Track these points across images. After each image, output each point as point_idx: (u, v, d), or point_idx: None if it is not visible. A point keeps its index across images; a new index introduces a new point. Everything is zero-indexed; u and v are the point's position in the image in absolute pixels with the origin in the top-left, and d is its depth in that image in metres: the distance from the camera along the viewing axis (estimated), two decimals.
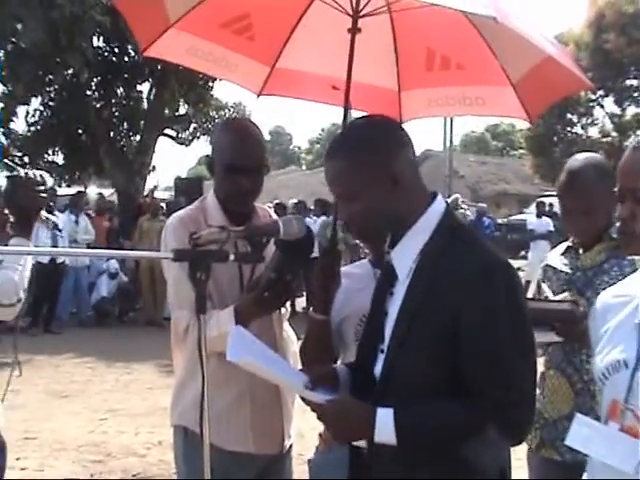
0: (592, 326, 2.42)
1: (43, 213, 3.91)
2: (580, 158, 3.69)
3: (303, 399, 2.67)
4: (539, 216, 20.38)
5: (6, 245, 3.64)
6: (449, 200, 23.64)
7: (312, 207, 19.52)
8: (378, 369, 2.68)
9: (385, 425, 2.47)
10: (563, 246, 3.82)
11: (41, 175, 3.76)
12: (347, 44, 3.67)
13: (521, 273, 19.57)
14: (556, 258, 3.82)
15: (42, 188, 3.75)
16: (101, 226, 17.97)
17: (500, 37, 3.64)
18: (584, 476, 2.29)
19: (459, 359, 2.50)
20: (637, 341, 2.13)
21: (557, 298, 3.61)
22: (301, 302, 16.03)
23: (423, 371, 2.55)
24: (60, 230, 14.00)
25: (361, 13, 3.68)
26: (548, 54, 3.60)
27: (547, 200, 22.49)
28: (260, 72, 4.15)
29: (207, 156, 3.63)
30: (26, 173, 3.74)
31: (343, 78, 3.69)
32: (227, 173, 3.48)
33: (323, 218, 15.79)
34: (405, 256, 2.66)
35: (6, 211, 3.74)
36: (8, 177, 3.71)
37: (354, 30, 3.67)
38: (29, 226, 3.72)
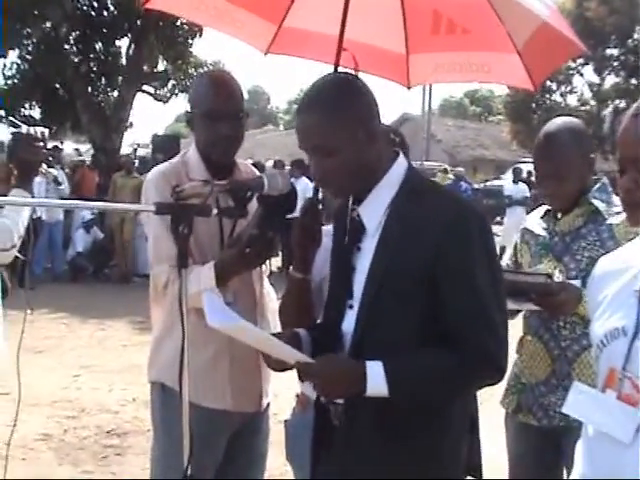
0: (590, 292, 2.40)
1: (44, 167, 4.13)
2: (557, 122, 3.65)
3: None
4: (515, 182, 20.41)
5: (5, 195, 3.84)
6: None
7: (289, 167, 19.38)
8: (348, 325, 2.69)
9: (376, 377, 2.48)
10: (542, 210, 3.79)
11: (42, 132, 3.95)
12: (353, 4, 3.62)
13: (497, 238, 19.69)
14: (534, 221, 3.80)
15: (42, 144, 3.94)
16: (91, 180, 17.90)
17: (506, 3, 3.61)
18: (578, 444, 2.28)
19: (439, 307, 2.54)
20: (636, 309, 2.11)
21: (532, 270, 3.60)
22: (276, 262, 16.03)
23: (398, 324, 2.58)
24: (60, 183, 13.98)
25: None
26: (544, 20, 3.58)
27: (524, 167, 22.53)
28: (267, 30, 4.08)
29: (186, 112, 3.58)
30: (28, 129, 3.96)
31: (351, 39, 3.64)
32: (207, 120, 3.44)
33: (304, 179, 15.45)
34: (374, 210, 2.68)
35: (10, 165, 3.96)
36: (11, 133, 3.93)
37: None
38: (30, 179, 3.95)
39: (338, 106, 2.59)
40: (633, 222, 2.21)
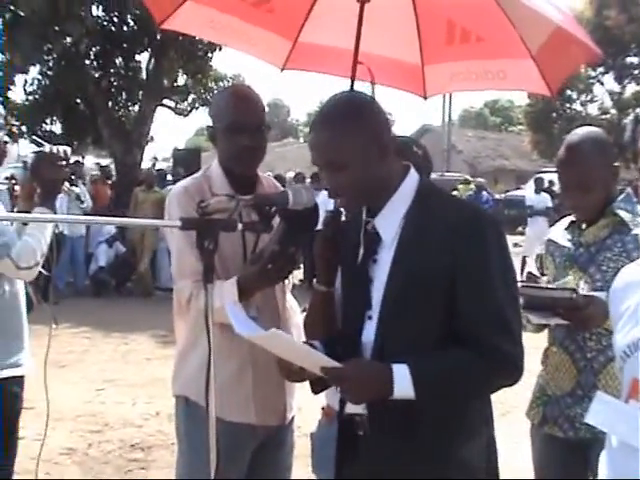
0: (612, 303, 2.39)
1: (66, 185, 4.24)
2: (580, 132, 3.65)
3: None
4: (537, 192, 20.31)
5: (28, 213, 3.96)
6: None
7: (309, 180, 19.36)
8: (368, 336, 2.73)
9: (403, 380, 2.53)
10: (566, 221, 3.78)
11: (65, 150, 4.02)
12: (368, 17, 3.63)
13: (519, 249, 19.67)
14: (559, 233, 3.79)
15: (64, 162, 4.01)
16: (105, 194, 17.95)
17: (517, 8, 3.60)
18: (602, 454, 2.27)
19: (457, 312, 2.60)
20: None
21: (557, 285, 3.58)
22: (298, 274, 16.02)
23: (418, 332, 2.64)
24: (82, 201, 14.09)
25: None
26: (558, 25, 3.57)
27: (545, 176, 22.46)
28: (282, 46, 4.11)
29: (208, 127, 3.60)
30: (51, 148, 4.01)
31: (366, 52, 3.65)
32: (229, 133, 3.46)
33: (324, 192, 15.21)
34: (390, 222, 2.74)
35: (33, 183, 4.06)
36: (34, 152, 4.01)
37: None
38: (53, 198, 4.01)
39: (349, 123, 2.66)
40: None
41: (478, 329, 2.59)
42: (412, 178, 2.78)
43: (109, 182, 19.11)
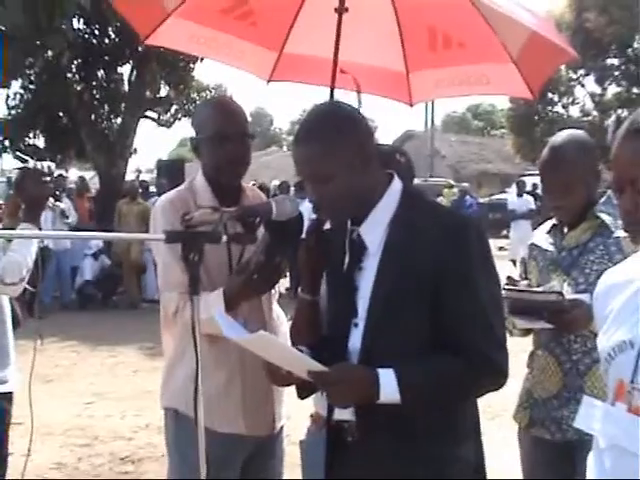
0: (596, 306, 2.40)
1: (51, 200, 4.26)
2: (563, 135, 3.66)
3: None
4: (520, 195, 20.41)
5: (13, 229, 3.99)
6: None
7: (293, 189, 19.32)
8: (354, 343, 2.74)
9: (389, 384, 2.55)
10: (548, 224, 3.80)
11: (49, 166, 4.09)
12: (351, 26, 3.65)
13: (504, 252, 19.71)
14: (542, 237, 3.80)
15: (49, 179, 4.06)
16: (83, 207, 17.91)
17: (494, 14, 3.64)
18: (589, 456, 2.28)
19: (441, 317, 2.62)
20: None
21: (543, 289, 3.59)
22: (284, 283, 16.02)
23: (404, 339, 2.66)
24: (67, 217, 14.07)
25: None
26: (533, 30, 3.61)
27: (528, 180, 22.54)
28: (267, 58, 4.14)
29: (191, 139, 3.61)
30: (34, 164, 4.10)
31: (351, 61, 3.67)
32: (213, 143, 3.47)
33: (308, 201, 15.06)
34: (375, 230, 2.75)
35: (18, 199, 4.12)
36: (19, 169, 4.04)
37: (341, 9, 3.66)
38: (38, 214, 4.05)
39: (331, 136, 2.66)
40: (636, 241, 2.21)
41: (463, 335, 2.61)
42: (396, 186, 2.79)
43: (88, 195, 19.08)
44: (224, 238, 2.74)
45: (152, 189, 19.80)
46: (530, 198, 20.13)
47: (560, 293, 3.41)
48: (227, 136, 3.45)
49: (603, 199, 3.62)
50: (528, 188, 21.62)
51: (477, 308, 2.62)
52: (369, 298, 2.71)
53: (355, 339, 2.74)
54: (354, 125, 2.72)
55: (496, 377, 2.67)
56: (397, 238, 2.70)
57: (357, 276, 2.78)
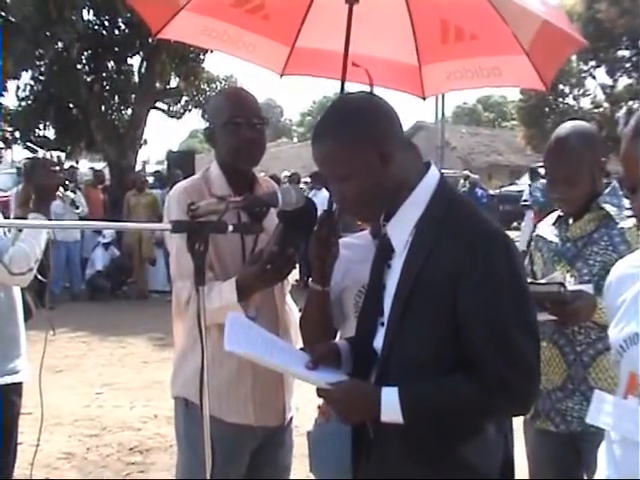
0: (607, 296, 2.38)
1: (61, 190, 4.30)
2: (568, 126, 3.66)
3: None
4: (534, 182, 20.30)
5: (24, 219, 4.02)
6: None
7: (306, 180, 19.30)
8: (379, 342, 2.69)
9: (391, 404, 2.49)
10: (553, 216, 3.80)
11: (58, 156, 4.05)
12: (363, 20, 3.64)
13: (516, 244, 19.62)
14: (546, 228, 3.81)
15: (58, 168, 4.14)
16: (98, 199, 17.92)
17: (506, 4, 3.62)
18: (600, 450, 2.26)
19: (461, 332, 2.50)
20: None
21: (545, 280, 3.58)
22: (294, 275, 15.96)
23: (424, 343, 2.55)
24: (77, 207, 14.08)
25: None
26: (544, 18, 3.60)
27: (539, 171, 22.45)
28: (280, 52, 4.12)
29: (205, 129, 3.61)
30: (44, 154, 4.03)
31: (364, 54, 3.66)
32: (228, 129, 3.47)
33: (324, 191, 14.86)
34: (401, 229, 2.66)
35: (27, 189, 4.16)
36: (29, 159, 4.03)
37: (351, 0, 3.65)
38: (47, 204, 4.09)
39: (348, 133, 2.59)
40: None
41: (479, 354, 2.48)
42: (429, 181, 2.67)
43: (101, 187, 19.04)
44: (230, 228, 2.73)
45: (150, 180, 19.51)
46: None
47: (562, 284, 3.40)
48: (241, 120, 3.46)
49: (607, 190, 3.61)
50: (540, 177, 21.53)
51: (496, 327, 2.46)
52: (392, 297, 2.65)
53: (380, 338, 2.68)
54: (370, 122, 2.62)
55: (514, 403, 2.54)
56: (422, 239, 2.59)
57: (386, 274, 2.73)
